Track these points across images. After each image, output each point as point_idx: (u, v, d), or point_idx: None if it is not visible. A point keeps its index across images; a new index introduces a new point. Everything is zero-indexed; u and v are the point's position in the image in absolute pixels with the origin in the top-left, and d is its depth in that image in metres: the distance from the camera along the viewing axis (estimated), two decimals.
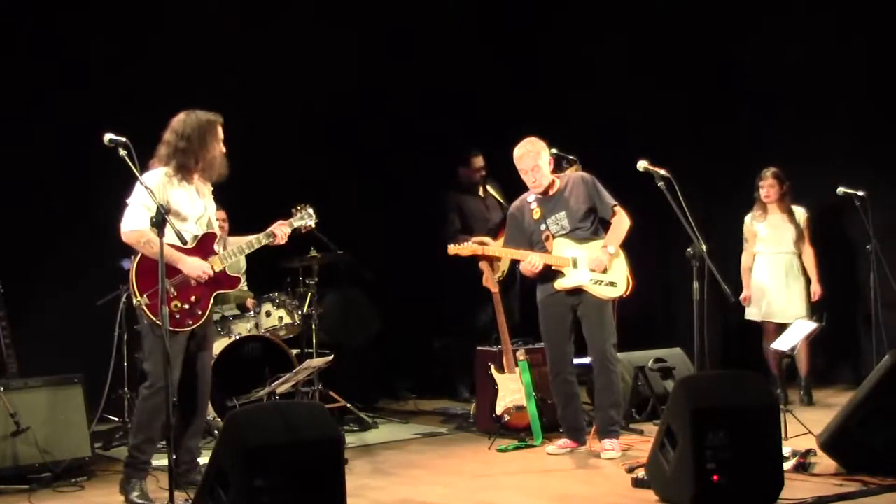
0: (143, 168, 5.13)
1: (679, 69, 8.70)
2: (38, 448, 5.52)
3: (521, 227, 6.19)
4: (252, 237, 5.44)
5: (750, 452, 4.54)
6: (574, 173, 6.23)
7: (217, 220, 7.04)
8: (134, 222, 5.08)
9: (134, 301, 5.10)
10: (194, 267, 5.13)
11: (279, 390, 6.37)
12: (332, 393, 7.01)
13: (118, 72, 7.25)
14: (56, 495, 5.29)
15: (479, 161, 8.03)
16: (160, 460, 5.42)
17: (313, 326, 7.08)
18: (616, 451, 5.91)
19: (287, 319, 6.99)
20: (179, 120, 5.24)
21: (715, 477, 4.47)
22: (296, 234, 5.59)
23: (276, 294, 7.04)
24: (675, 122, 8.78)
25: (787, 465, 5.07)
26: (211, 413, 6.41)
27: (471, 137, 8.21)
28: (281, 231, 5.43)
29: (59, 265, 7.10)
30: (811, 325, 6.84)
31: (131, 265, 5.13)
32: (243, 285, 7.35)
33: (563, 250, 6.04)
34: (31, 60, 7.12)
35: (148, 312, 5.05)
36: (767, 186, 7.61)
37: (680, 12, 8.59)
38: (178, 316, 5.11)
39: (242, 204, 6.66)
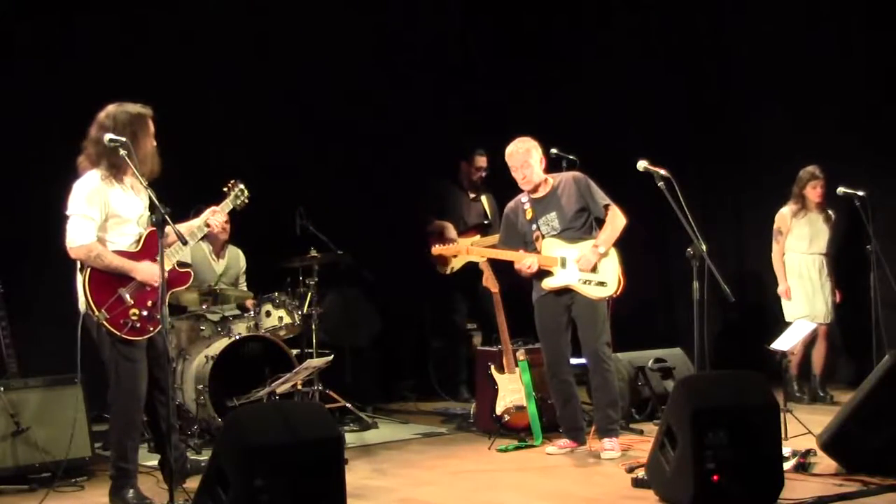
0: (74, 171, 4.95)
1: (679, 69, 8.70)
2: (38, 448, 5.52)
3: (515, 227, 6.18)
4: (193, 226, 5.16)
5: (750, 452, 4.54)
6: (567, 173, 6.22)
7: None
8: (80, 237, 4.85)
9: (93, 316, 4.84)
10: (148, 273, 4.86)
11: (279, 390, 6.36)
12: (332, 393, 7.00)
13: (115, 67, 7.22)
14: (56, 495, 5.27)
15: (481, 161, 8.01)
16: (155, 461, 5.43)
17: (313, 326, 7.07)
18: (616, 450, 5.91)
19: (287, 319, 6.98)
20: (108, 115, 4.89)
21: (715, 477, 4.47)
22: (233, 213, 5.35)
23: (276, 294, 7.03)
24: (675, 122, 8.78)
25: (787, 465, 5.07)
26: (211, 413, 6.42)
27: (472, 138, 8.20)
28: (220, 216, 5.24)
29: (59, 265, 7.06)
30: (811, 326, 6.84)
31: (81, 279, 4.88)
32: (243, 285, 7.36)
33: (552, 250, 6.02)
34: (30, 59, 7.11)
35: (110, 327, 4.83)
36: (821, 187, 7.57)
37: (680, 11, 8.59)
38: (138, 325, 4.86)
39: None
